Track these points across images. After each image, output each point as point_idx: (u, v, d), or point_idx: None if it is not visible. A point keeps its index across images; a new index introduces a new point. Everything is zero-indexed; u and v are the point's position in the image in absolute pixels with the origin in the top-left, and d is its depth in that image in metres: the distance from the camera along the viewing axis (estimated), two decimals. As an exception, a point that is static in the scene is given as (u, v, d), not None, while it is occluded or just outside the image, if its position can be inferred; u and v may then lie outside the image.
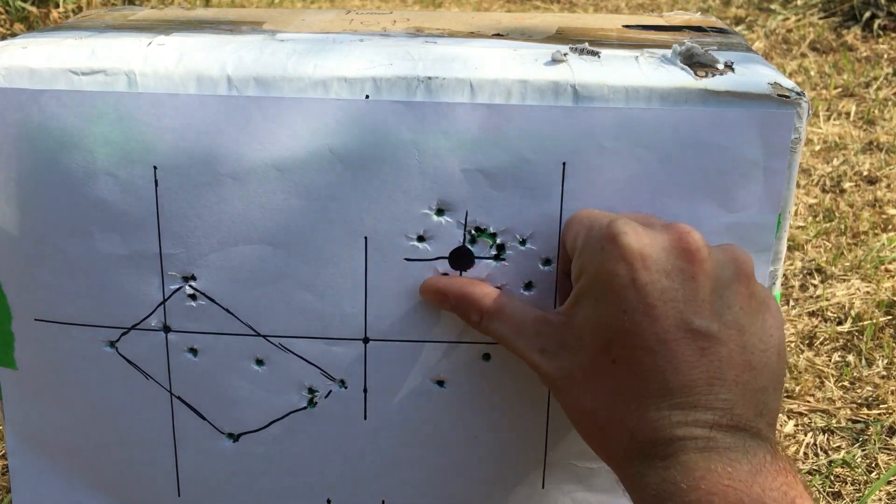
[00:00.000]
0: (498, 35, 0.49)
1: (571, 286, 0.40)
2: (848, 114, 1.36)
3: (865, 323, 0.83)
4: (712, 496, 0.34)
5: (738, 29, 1.82)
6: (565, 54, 0.43)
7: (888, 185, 1.12)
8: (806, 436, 0.70)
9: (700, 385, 0.36)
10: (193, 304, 0.44)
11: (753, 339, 0.37)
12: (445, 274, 0.44)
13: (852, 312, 0.85)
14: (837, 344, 0.81)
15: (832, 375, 0.77)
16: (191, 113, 0.42)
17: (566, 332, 0.39)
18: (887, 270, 0.93)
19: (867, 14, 1.75)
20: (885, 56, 1.61)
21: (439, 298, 0.43)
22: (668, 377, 0.36)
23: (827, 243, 0.99)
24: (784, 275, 0.91)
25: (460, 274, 0.44)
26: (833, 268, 0.93)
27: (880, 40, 1.69)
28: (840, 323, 0.84)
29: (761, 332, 0.37)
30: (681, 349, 0.36)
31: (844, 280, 0.91)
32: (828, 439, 0.70)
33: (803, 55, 1.65)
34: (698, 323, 0.36)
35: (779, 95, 0.41)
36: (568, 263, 0.41)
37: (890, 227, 1.02)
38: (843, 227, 1.02)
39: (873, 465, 0.67)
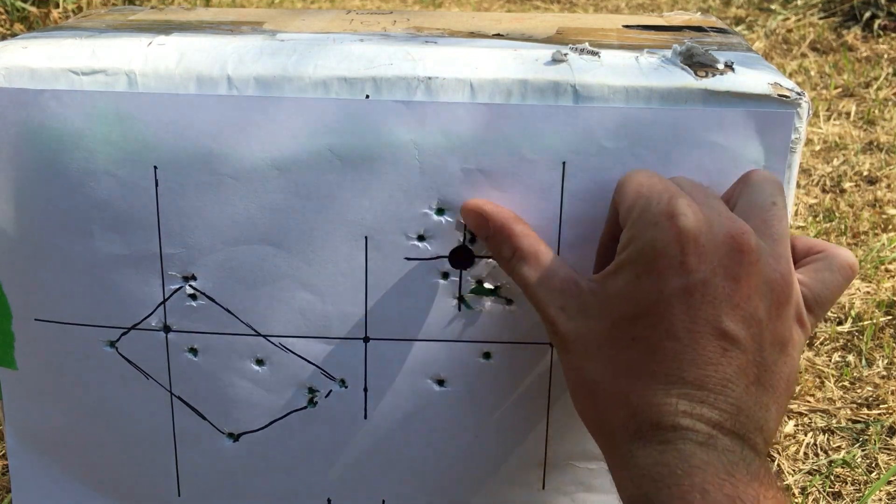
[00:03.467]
0: (498, 35, 0.49)
1: (611, 256, 0.39)
2: (848, 114, 1.36)
3: (865, 323, 0.83)
4: (707, 485, 0.34)
5: (738, 29, 1.82)
6: (565, 54, 0.43)
7: (888, 185, 1.12)
8: (806, 436, 0.70)
9: (714, 383, 0.36)
10: (193, 303, 0.44)
11: (769, 360, 0.37)
12: (447, 274, 0.44)
13: (852, 312, 0.85)
14: (837, 344, 0.81)
15: (832, 375, 0.77)
16: (191, 113, 0.42)
17: (592, 298, 0.38)
18: (887, 270, 0.93)
19: (867, 14, 1.75)
20: (885, 56, 1.61)
21: (479, 222, 0.42)
22: (684, 367, 0.36)
23: (827, 243, 0.99)
24: (784, 275, 0.91)
25: (461, 273, 0.44)
26: (833, 268, 0.93)
27: (880, 40, 1.69)
28: (840, 323, 0.84)
29: (778, 357, 0.37)
30: (704, 343, 0.36)
31: (844, 280, 0.91)
32: (828, 439, 0.70)
33: (803, 55, 1.65)
34: (728, 325, 0.36)
35: (779, 95, 0.41)
36: (614, 228, 0.41)
37: (890, 227, 1.02)
38: (843, 227, 1.02)
39: (873, 465, 0.67)
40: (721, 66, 0.42)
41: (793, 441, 0.70)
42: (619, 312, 0.37)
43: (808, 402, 0.74)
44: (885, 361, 0.79)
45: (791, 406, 0.73)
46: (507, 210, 0.42)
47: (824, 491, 0.65)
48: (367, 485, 0.48)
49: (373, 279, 0.44)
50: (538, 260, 0.40)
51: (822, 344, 0.82)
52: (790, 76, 1.55)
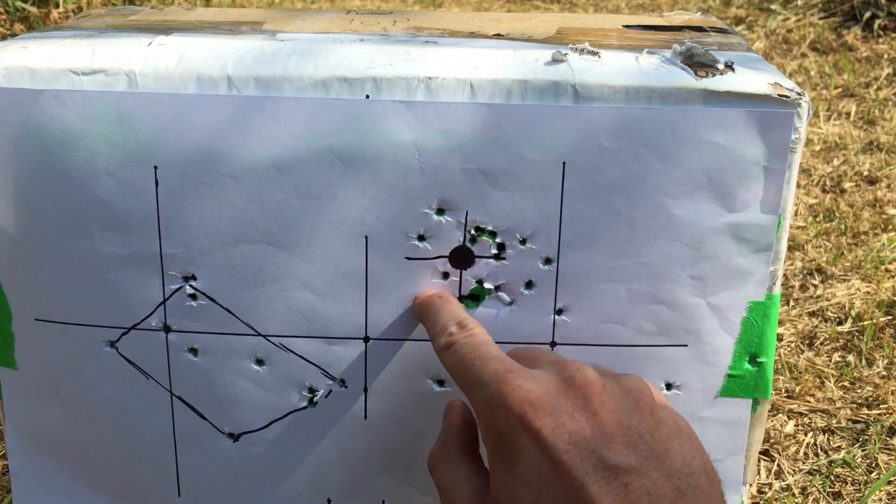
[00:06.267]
0: (498, 35, 0.49)
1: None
2: (848, 114, 1.36)
3: (865, 323, 0.83)
4: None
5: (738, 29, 1.81)
6: (565, 54, 0.43)
7: (888, 185, 1.12)
8: (806, 436, 0.70)
9: None
10: (193, 303, 0.44)
11: (676, 465, 0.34)
12: (447, 274, 0.44)
13: (852, 312, 0.85)
14: (837, 344, 0.81)
15: (832, 375, 0.77)
16: (191, 113, 0.42)
17: None
18: (887, 270, 0.93)
19: (867, 14, 1.75)
20: (885, 56, 1.61)
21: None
22: None
23: (827, 243, 0.99)
24: (784, 275, 0.91)
25: (461, 273, 0.44)
26: (833, 268, 0.93)
27: (880, 40, 1.69)
28: (840, 323, 0.84)
29: (681, 457, 0.35)
30: (604, 491, 0.33)
31: (844, 280, 0.91)
32: (828, 439, 0.70)
33: (803, 55, 1.65)
34: (615, 458, 0.33)
35: (779, 95, 0.41)
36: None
37: (890, 227, 1.02)
38: (843, 227, 1.02)
39: (873, 465, 0.67)
40: (721, 66, 0.42)
41: (793, 441, 0.70)
42: None
43: (808, 402, 0.74)
44: (885, 361, 0.79)
45: (791, 406, 0.73)
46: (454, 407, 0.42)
47: (824, 491, 0.65)
48: (367, 485, 0.48)
49: (373, 279, 0.44)
50: (458, 465, 0.40)
51: (822, 344, 0.82)
52: (790, 76, 1.55)
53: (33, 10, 1.54)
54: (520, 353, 0.40)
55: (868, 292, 0.89)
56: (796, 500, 0.64)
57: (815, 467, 0.67)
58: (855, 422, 0.72)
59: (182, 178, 0.42)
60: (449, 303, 0.43)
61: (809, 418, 0.72)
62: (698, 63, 0.42)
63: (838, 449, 0.69)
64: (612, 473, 0.33)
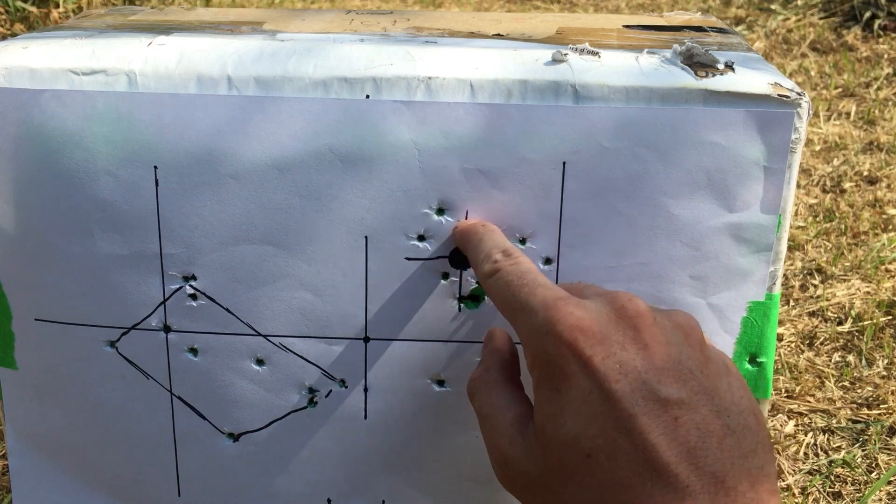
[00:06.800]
0: (498, 35, 0.49)
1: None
2: (848, 114, 1.36)
3: (865, 323, 0.83)
4: None
5: (738, 29, 1.81)
6: (565, 54, 0.43)
7: (888, 185, 1.12)
8: (806, 436, 0.70)
9: (683, 460, 0.32)
10: (194, 303, 0.44)
11: (725, 402, 0.34)
12: (447, 274, 0.44)
13: (852, 312, 0.85)
14: (837, 344, 0.81)
15: (832, 375, 0.77)
16: (191, 113, 0.42)
17: (535, 440, 0.36)
18: (887, 270, 0.93)
19: (867, 14, 1.75)
20: (885, 56, 1.61)
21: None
22: (648, 457, 0.32)
23: (827, 243, 0.99)
24: (784, 275, 0.91)
25: (461, 273, 0.44)
26: (833, 268, 0.93)
27: (880, 40, 1.69)
28: (840, 323, 0.84)
29: (730, 395, 0.34)
30: (653, 423, 0.32)
31: (844, 280, 0.91)
32: (828, 439, 0.70)
33: (803, 55, 1.65)
34: (665, 391, 0.33)
35: (779, 95, 0.41)
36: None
37: (890, 227, 1.02)
38: (843, 227, 1.02)
39: (873, 465, 0.67)
40: (721, 66, 0.42)
41: (793, 441, 0.70)
42: (560, 440, 0.34)
43: (808, 402, 0.74)
44: (885, 361, 0.79)
45: (791, 406, 0.73)
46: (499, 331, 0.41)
47: (824, 491, 0.65)
48: (367, 485, 0.48)
49: (373, 279, 0.44)
50: (498, 387, 0.39)
51: (822, 344, 0.82)
52: (790, 76, 1.55)
53: (33, 10, 1.54)
54: (566, 286, 0.39)
55: (868, 292, 0.89)
56: (796, 500, 0.64)
57: (815, 467, 0.67)
58: (855, 422, 0.72)
59: (182, 178, 0.42)
60: (492, 231, 0.42)
61: (809, 418, 0.72)
62: (698, 63, 0.42)
63: (838, 449, 0.69)
64: (662, 406, 0.33)
